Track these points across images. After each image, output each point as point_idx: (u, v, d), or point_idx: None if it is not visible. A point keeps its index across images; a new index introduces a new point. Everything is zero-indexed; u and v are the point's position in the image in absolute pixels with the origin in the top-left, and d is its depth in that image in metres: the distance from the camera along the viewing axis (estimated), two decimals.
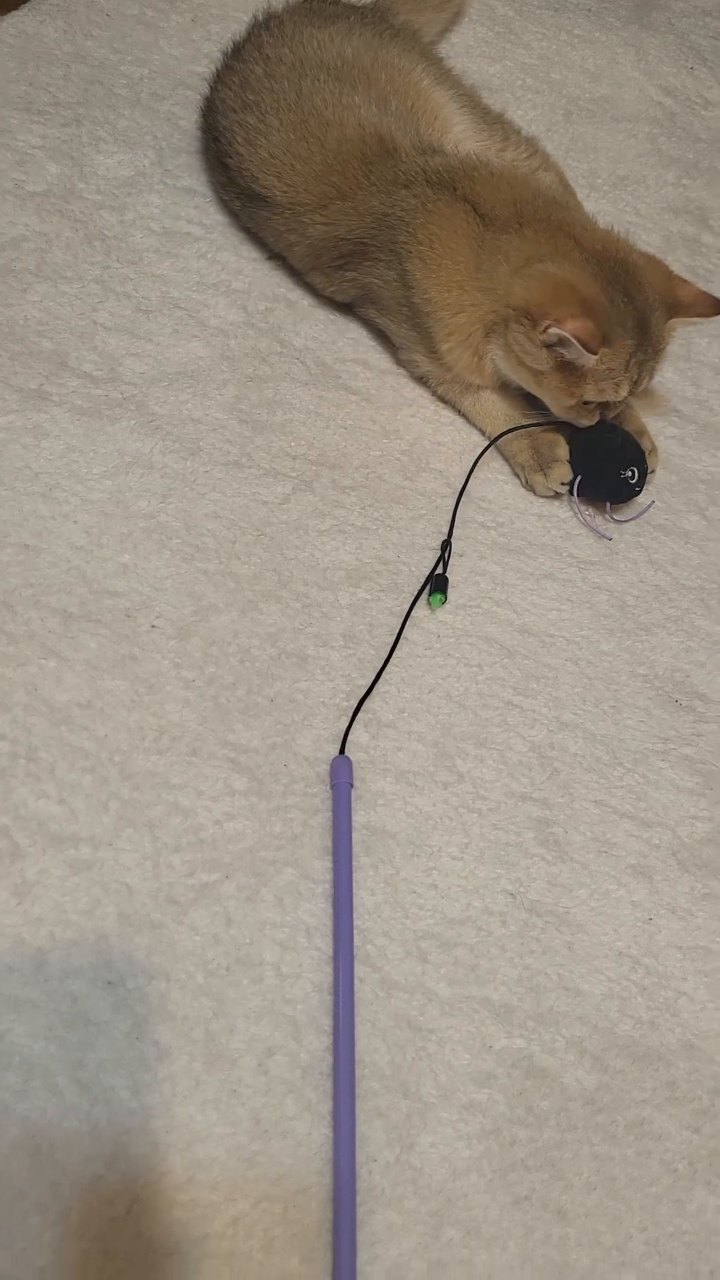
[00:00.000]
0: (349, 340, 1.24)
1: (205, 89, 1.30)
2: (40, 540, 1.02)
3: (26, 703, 0.93)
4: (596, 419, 1.09)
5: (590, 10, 1.71)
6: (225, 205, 1.27)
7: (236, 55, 1.22)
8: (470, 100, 1.33)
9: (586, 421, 1.10)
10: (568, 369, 1.05)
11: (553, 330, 1.01)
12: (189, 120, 1.34)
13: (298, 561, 1.08)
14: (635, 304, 1.04)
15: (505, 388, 1.16)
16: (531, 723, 1.05)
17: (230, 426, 1.14)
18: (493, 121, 1.35)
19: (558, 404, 1.08)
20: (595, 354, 1.02)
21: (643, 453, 1.16)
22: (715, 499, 1.25)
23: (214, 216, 1.28)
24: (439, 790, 0.99)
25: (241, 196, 1.16)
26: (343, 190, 1.11)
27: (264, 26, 1.24)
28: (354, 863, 0.92)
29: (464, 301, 1.09)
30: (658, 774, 1.05)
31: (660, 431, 1.26)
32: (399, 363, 1.22)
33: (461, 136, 1.28)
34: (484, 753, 1.02)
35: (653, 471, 1.20)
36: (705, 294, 1.08)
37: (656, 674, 1.11)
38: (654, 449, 1.20)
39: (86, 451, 1.08)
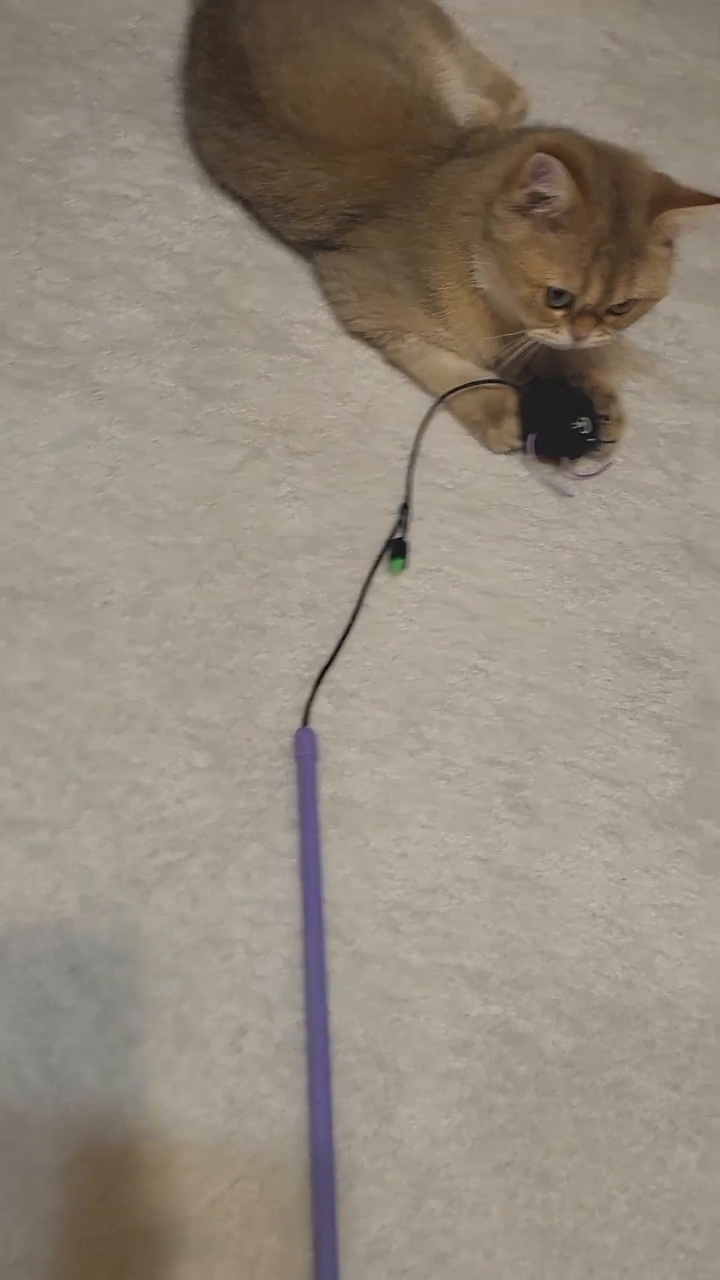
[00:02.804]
0: (297, 302, 1.21)
1: (178, 37, 1.26)
2: None
3: None
4: (564, 337, 1.03)
5: None
6: (204, 152, 1.22)
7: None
8: (450, 45, 1.34)
9: (549, 333, 1.03)
10: (539, 245, 1.00)
11: (534, 158, 0.96)
12: (121, 79, 1.30)
13: (253, 530, 1.05)
14: (619, 191, 1.00)
15: (486, 333, 1.12)
16: (497, 686, 1.03)
17: (178, 394, 1.11)
18: (479, 69, 1.40)
19: (523, 297, 1.03)
20: (572, 183, 0.97)
21: (591, 403, 1.14)
22: (676, 453, 1.23)
23: (153, 179, 1.23)
24: (406, 758, 0.97)
25: (265, 131, 1.14)
26: (382, 140, 1.12)
27: None
28: (321, 835, 0.91)
29: (456, 240, 1.08)
30: (626, 733, 1.04)
31: (619, 385, 1.24)
32: (342, 322, 1.19)
33: (454, 90, 1.29)
34: (450, 718, 1.00)
35: (615, 441, 1.17)
36: (701, 192, 1.02)
37: (622, 632, 1.10)
38: (621, 418, 1.17)
39: (29, 424, 1.04)
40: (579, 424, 1.14)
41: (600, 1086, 0.86)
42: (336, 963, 0.86)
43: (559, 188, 0.98)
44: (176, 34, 1.33)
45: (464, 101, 1.33)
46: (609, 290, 1.01)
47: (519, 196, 1.00)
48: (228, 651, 0.98)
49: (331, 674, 0.99)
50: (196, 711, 0.94)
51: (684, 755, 1.04)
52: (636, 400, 1.26)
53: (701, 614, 1.13)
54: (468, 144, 1.13)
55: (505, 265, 1.03)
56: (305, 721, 0.96)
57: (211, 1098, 0.80)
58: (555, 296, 1.02)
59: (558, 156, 0.97)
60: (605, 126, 1.52)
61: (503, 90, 1.44)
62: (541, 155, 0.97)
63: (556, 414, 1.15)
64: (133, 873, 0.86)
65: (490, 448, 1.16)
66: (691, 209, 1.01)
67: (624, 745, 1.03)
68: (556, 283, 1.01)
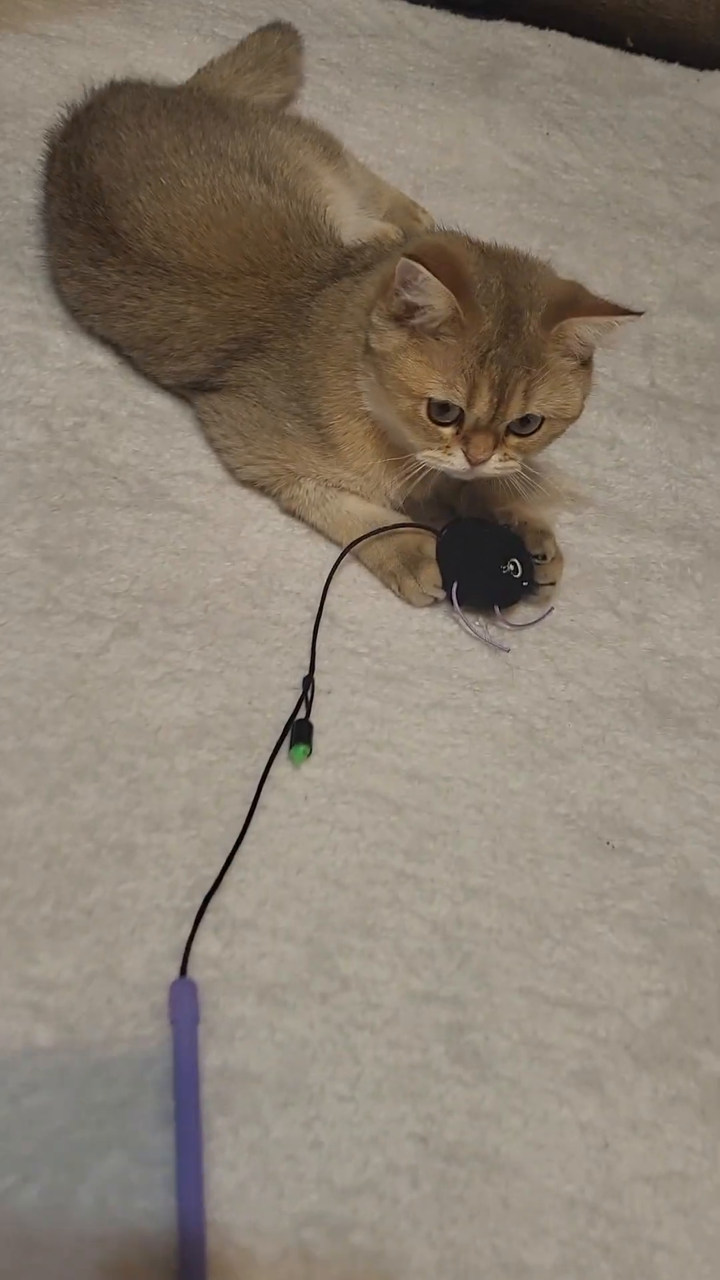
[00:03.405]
0: (177, 451, 1.06)
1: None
2: None
3: None
4: (456, 460, 0.89)
5: (433, 84, 1.60)
6: (65, 294, 1.11)
7: (102, 127, 1.11)
8: (336, 167, 1.25)
9: (440, 456, 0.90)
10: (418, 351, 0.88)
11: (399, 264, 0.85)
12: None
13: (121, 724, 0.87)
14: (511, 294, 0.88)
15: (390, 470, 0.98)
16: (430, 895, 0.84)
17: (31, 567, 0.94)
18: (377, 193, 1.32)
19: (404, 412, 0.90)
20: (446, 288, 0.84)
21: (522, 541, 0.99)
22: (626, 591, 1.07)
23: (9, 327, 1.10)
24: (316, 1005, 0.77)
25: (127, 266, 1.03)
26: (257, 265, 1.01)
27: (132, 106, 1.12)
28: (205, 1129, 0.69)
29: (341, 362, 0.96)
30: (595, 941, 0.84)
31: (553, 519, 1.08)
32: (229, 470, 1.04)
33: (342, 213, 1.19)
34: (373, 945, 0.80)
35: (553, 583, 1.01)
36: (609, 302, 0.91)
37: (580, 812, 0.91)
38: (558, 556, 1.01)
39: None
40: (509, 566, 0.99)
41: None
42: None
43: (432, 295, 0.86)
44: (41, 176, 1.22)
45: (359, 225, 1.22)
46: (501, 402, 0.87)
47: (395, 305, 0.88)
48: (84, 884, 0.78)
49: (219, 899, 0.80)
50: (41, 969, 0.74)
51: (668, 964, 0.84)
52: (576, 533, 1.10)
53: (672, 780, 0.95)
54: (352, 263, 1.00)
55: (383, 377, 0.90)
56: (184, 970, 0.75)
57: None
58: (441, 411, 0.88)
59: (428, 260, 0.84)
60: (521, 245, 1.40)
61: (404, 214, 1.34)
62: (406, 261, 0.84)
63: (482, 557, 0.99)
64: None
65: (409, 601, 1.00)
66: (595, 319, 0.88)
67: (593, 958, 0.83)
68: (437, 393, 0.87)
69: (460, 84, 1.62)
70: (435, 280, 0.85)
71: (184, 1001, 0.73)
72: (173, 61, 1.46)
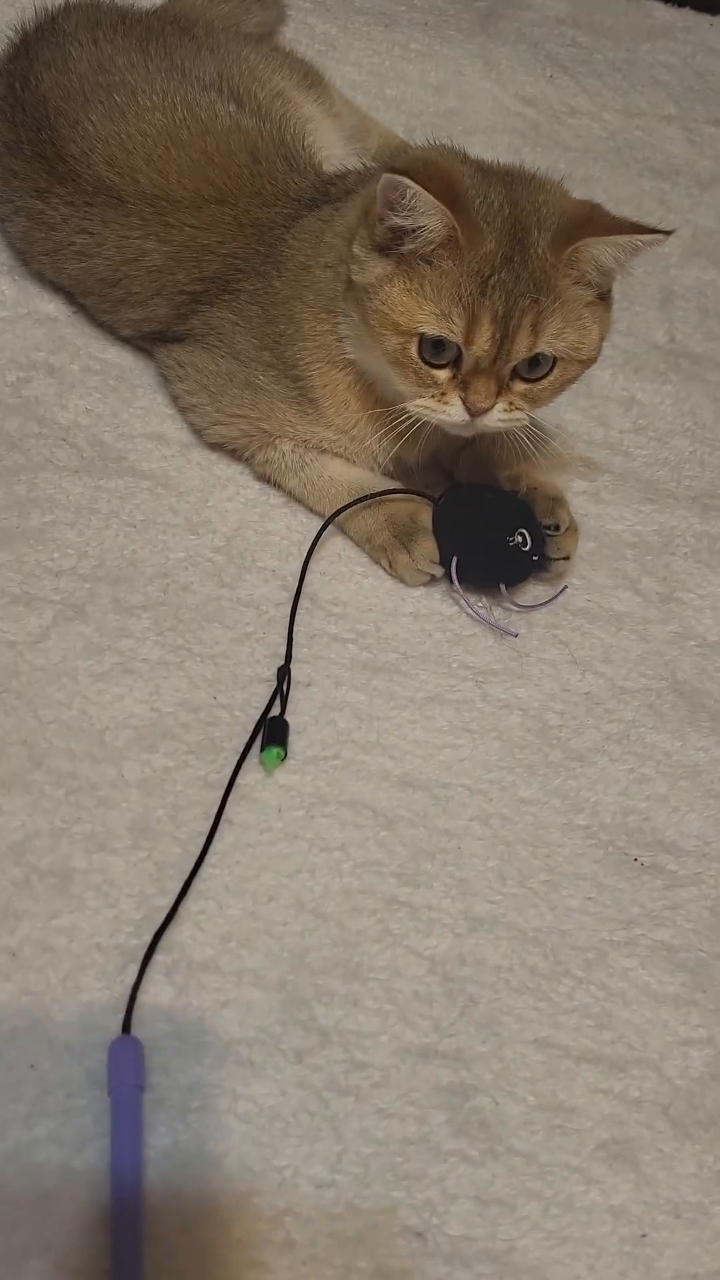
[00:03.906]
0: (136, 411, 0.93)
1: None
2: None
3: None
4: (454, 409, 0.76)
5: (427, 24, 1.48)
6: (9, 234, 0.98)
7: (51, 44, 0.98)
8: (317, 95, 1.13)
9: (433, 405, 0.77)
10: (406, 279, 0.75)
11: (383, 180, 0.73)
12: None
13: (60, 724, 0.74)
14: (516, 210, 0.76)
15: (378, 427, 0.85)
16: (428, 927, 0.70)
17: None
18: (364, 130, 1.21)
19: (391, 353, 0.77)
20: (439, 202, 0.72)
21: (530, 509, 0.87)
22: (650, 567, 0.94)
23: None
24: (290, 1066, 0.63)
25: (77, 196, 0.91)
26: (224, 193, 0.89)
27: (86, 22, 1.01)
28: (149, 1228, 0.56)
29: (319, 303, 0.83)
30: (624, 979, 0.71)
31: (566, 485, 0.95)
32: (196, 431, 0.91)
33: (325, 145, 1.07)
34: (359, 989, 0.67)
35: (567, 558, 0.88)
36: (631, 220, 0.79)
37: (602, 823, 0.78)
38: (572, 527, 0.88)
39: None
40: (516, 539, 0.87)
41: None
42: None
43: (422, 213, 0.73)
44: None
45: (342, 160, 1.09)
46: (506, 338, 0.74)
47: (380, 233, 0.75)
48: (8, 919, 0.65)
49: (173, 935, 0.67)
50: None
51: (711, 1005, 0.71)
52: (590, 503, 0.97)
53: (708, 784, 0.82)
54: (333, 190, 0.87)
55: (366, 313, 0.77)
56: (127, 1025, 0.62)
57: None
58: (434, 350, 0.75)
59: (416, 173, 0.72)
60: None
61: (392, 152, 1.21)
62: (391, 176, 0.72)
63: (486, 528, 0.88)
64: None
65: (402, 579, 0.88)
66: (614, 238, 0.75)
67: (621, 1001, 0.70)
68: (430, 327, 0.74)
69: (456, 24, 1.50)
70: (426, 194, 0.72)
71: (126, 1065, 0.60)
72: None
